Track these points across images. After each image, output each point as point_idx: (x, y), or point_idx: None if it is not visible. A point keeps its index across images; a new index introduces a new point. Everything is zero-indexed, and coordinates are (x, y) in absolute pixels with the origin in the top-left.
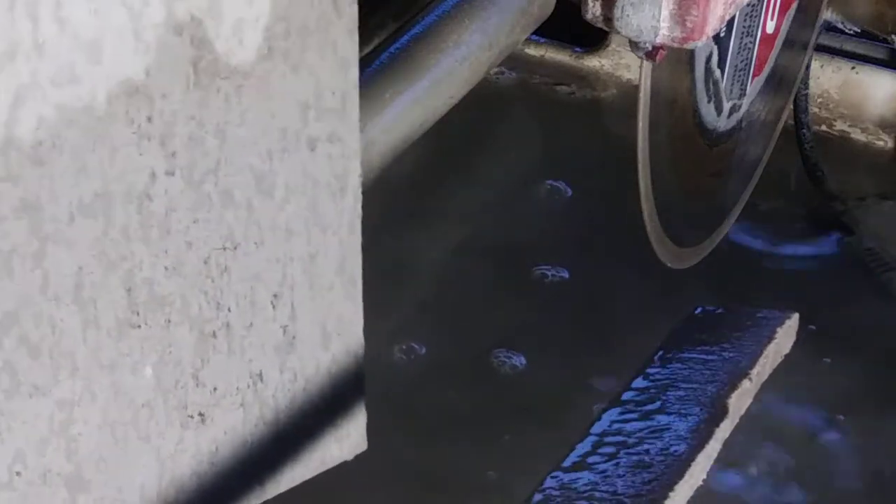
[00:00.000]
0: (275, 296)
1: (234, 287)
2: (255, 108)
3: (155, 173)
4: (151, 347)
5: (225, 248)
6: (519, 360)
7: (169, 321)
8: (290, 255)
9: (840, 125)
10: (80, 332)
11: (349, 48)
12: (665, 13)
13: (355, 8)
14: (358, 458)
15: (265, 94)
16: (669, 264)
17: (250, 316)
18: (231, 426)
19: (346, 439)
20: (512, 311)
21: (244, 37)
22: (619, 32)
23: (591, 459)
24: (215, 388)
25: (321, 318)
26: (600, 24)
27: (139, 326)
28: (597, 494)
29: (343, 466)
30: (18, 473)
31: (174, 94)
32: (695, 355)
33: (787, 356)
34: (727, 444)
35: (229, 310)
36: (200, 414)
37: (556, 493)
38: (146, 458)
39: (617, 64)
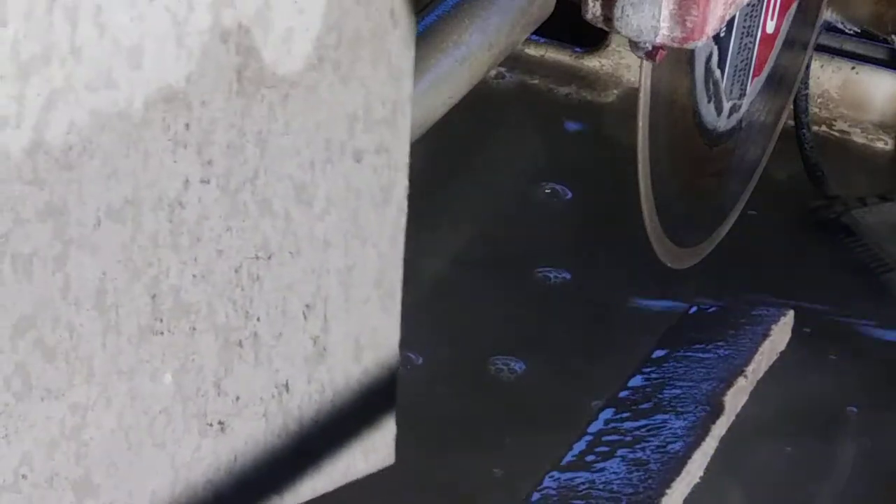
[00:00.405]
0: (307, 306)
1: (264, 297)
2: (300, 117)
3: (189, 181)
4: (173, 354)
5: (258, 258)
6: (518, 366)
7: (194, 329)
8: (326, 266)
9: (840, 125)
10: (100, 337)
11: (404, 59)
12: (665, 13)
13: (413, 19)
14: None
15: (312, 105)
16: (669, 264)
17: (280, 326)
18: (252, 436)
19: (373, 452)
20: (510, 315)
21: (293, 46)
22: (619, 32)
23: (588, 458)
24: (238, 398)
25: (355, 331)
26: (600, 24)
27: (162, 333)
28: (594, 493)
29: None
30: (24, 476)
31: (215, 102)
32: (690, 353)
33: (786, 357)
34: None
35: (258, 319)
36: (220, 423)
37: (554, 492)
38: (160, 465)
39: (617, 64)
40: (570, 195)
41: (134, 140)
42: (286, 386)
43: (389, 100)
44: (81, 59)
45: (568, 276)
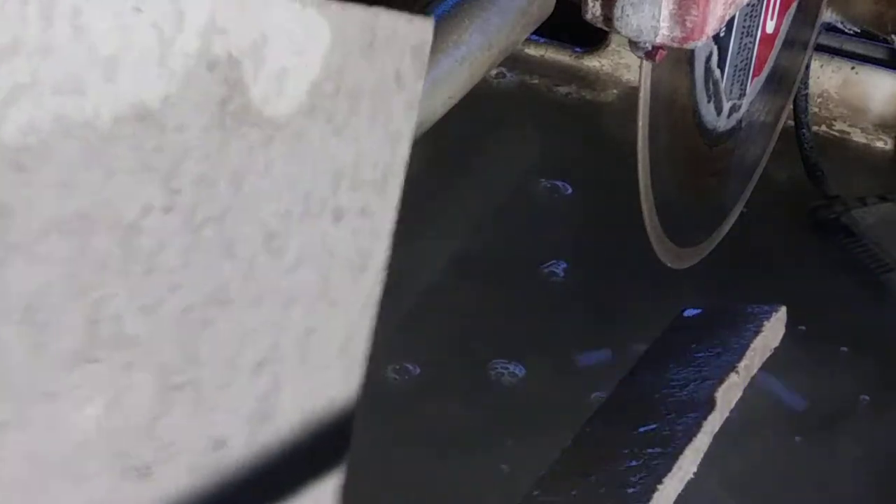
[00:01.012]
0: (259, 363)
1: (214, 343)
2: (281, 163)
3: (151, 206)
4: (104, 386)
5: (214, 301)
6: (518, 369)
7: (131, 363)
8: (286, 323)
9: (840, 125)
10: (24, 353)
11: (405, 124)
12: (665, 13)
13: (419, 85)
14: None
15: (297, 152)
16: (669, 264)
17: (226, 377)
18: (178, 488)
19: None
20: (510, 316)
21: (285, 87)
22: (618, 32)
23: (581, 458)
24: (168, 444)
25: (308, 396)
26: (600, 24)
27: (95, 361)
28: (587, 489)
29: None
30: None
31: (192, 130)
32: (683, 351)
33: (785, 357)
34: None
35: (203, 366)
36: (145, 468)
37: (548, 495)
38: (71, 500)
39: (617, 64)
40: (570, 192)
41: (97, 153)
42: (223, 441)
43: (382, 162)
44: (51, 59)
45: (568, 274)
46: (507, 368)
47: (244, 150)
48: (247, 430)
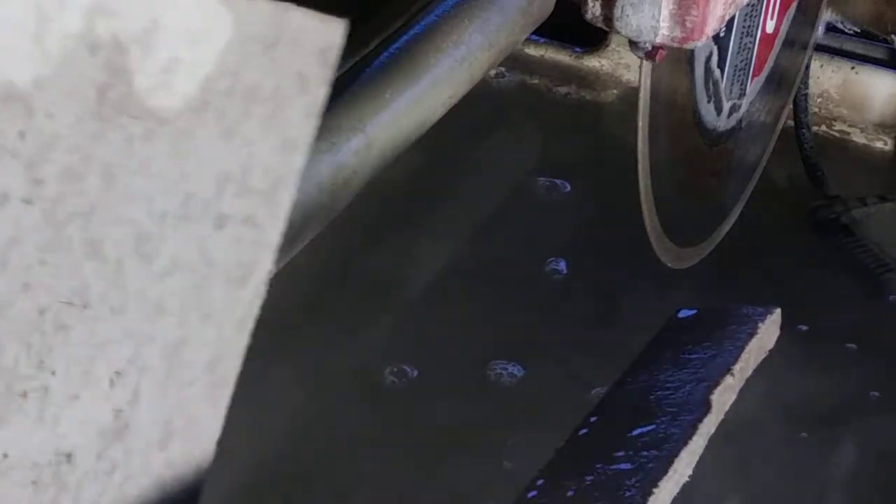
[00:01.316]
0: (117, 373)
1: (68, 349)
2: (162, 160)
3: (8, 196)
4: None
5: (71, 304)
6: (517, 369)
7: None
8: (152, 333)
9: (840, 125)
10: None
11: (303, 131)
12: (665, 13)
13: (323, 91)
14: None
15: (180, 151)
16: (669, 264)
17: (78, 387)
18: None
19: None
20: (508, 316)
21: (175, 80)
22: (618, 32)
23: (576, 461)
24: (6, 455)
25: (168, 414)
26: (600, 24)
27: None
28: (582, 492)
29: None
30: None
31: (64, 117)
32: (678, 354)
33: (786, 358)
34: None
35: (53, 373)
36: None
37: (542, 498)
38: None
39: (617, 64)
40: (568, 189)
41: None
42: (69, 456)
43: (273, 171)
44: None
45: (568, 273)
46: (505, 369)
47: (121, 144)
48: (97, 446)
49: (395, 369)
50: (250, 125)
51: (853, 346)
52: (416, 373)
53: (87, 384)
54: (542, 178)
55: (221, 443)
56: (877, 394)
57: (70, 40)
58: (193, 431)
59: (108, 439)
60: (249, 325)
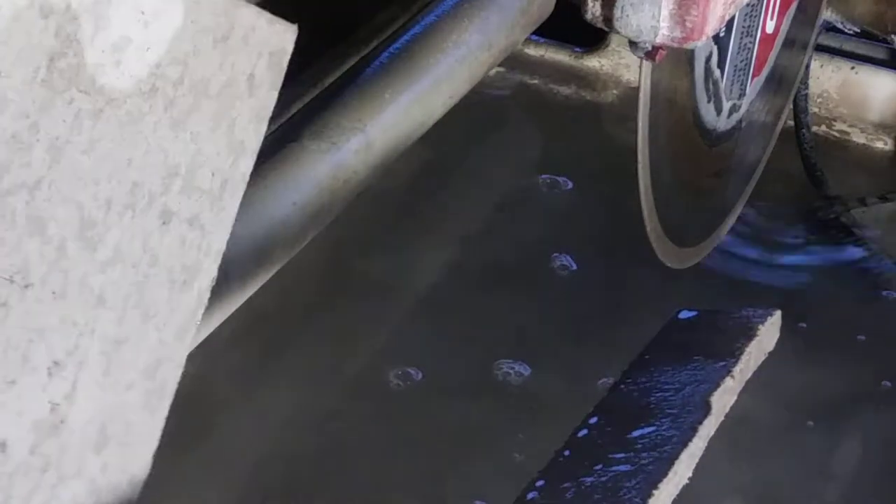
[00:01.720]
0: (56, 363)
1: (7, 331)
2: (110, 142)
3: None
4: None
5: (12, 281)
6: (523, 368)
7: None
8: (92, 326)
9: (840, 125)
10: None
11: (250, 135)
12: (665, 13)
13: (273, 96)
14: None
15: (129, 135)
16: (669, 264)
17: (15, 373)
18: None
19: None
20: (513, 315)
21: (124, 60)
22: (618, 32)
23: (575, 463)
24: None
25: (105, 416)
26: (600, 25)
27: None
28: (581, 494)
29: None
30: None
31: (11, 79)
32: (677, 356)
33: (785, 358)
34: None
35: None
36: None
37: (541, 499)
38: None
39: (617, 64)
40: (570, 187)
41: None
42: (2, 445)
43: (221, 173)
44: None
45: (571, 269)
46: (513, 368)
47: (69, 118)
48: (31, 439)
49: (400, 372)
50: (199, 120)
51: (853, 346)
52: (420, 375)
53: (24, 371)
54: (542, 178)
55: (225, 446)
56: (876, 395)
57: (21, 1)
58: (130, 438)
59: (43, 433)
60: (190, 333)
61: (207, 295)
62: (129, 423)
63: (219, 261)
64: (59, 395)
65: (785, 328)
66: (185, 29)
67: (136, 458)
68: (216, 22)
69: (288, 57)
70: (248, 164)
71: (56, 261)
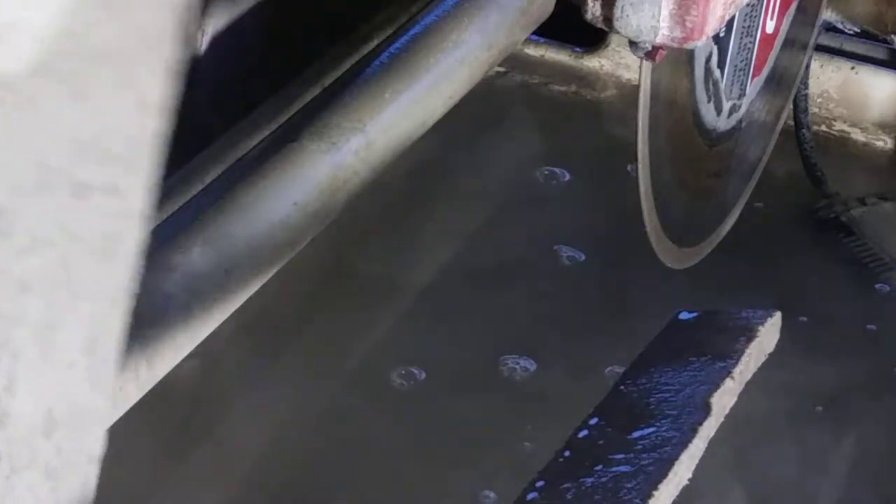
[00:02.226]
0: None
1: None
2: (6, 128)
3: None
4: None
5: None
6: (529, 363)
7: None
8: (20, 314)
9: (840, 125)
10: None
11: (158, 93)
12: (665, 13)
13: (181, 49)
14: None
15: (26, 117)
16: (669, 264)
17: None
18: None
19: None
20: (516, 311)
21: (14, 40)
22: (618, 32)
23: (575, 464)
24: None
25: (49, 399)
26: (600, 25)
27: None
28: (581, 495)
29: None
30: None
31: None
32: (677, 357)
33: (786, 358)
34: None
35: None
36: None
37: (541, 500)
38: None
39: (617, 64)
40: (569, 183)
41: None
42: None
43: (132, 136)
44: None
45: (571, 265)
46: (518, 363)
47: None
48: None
49: (403, 371)
50: (100, 87)
51: (852, 346)
52: (423, 374)
53: None
54: (541, 178)
55: (225, 446)
56: (877, 396)
57: None
58: (80, 417)
59: None
60: (124, 302)
61: (134, 258)
62: (76, 402)
63: (140, 221)
64: (1, 387)
65: (785, 327)
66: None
67: (89, 435)
68: None
69: (194, 4)
70: (157, 121)
71: None
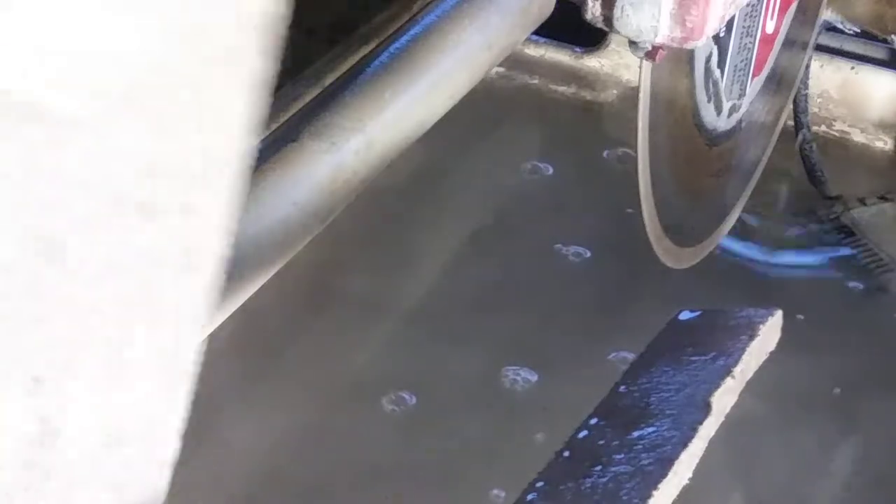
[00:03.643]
0: (36, 379)
1: None
2: (75, 162)
3: None
4: None
5: None
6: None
7: None
8: (85, 339)
9: (840, 125)
10: None
11: (238, 108)
12: (665, 13)
13: (263, 61)
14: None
15: (95, 150)
16: (669, 264)
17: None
18: None
19: None
20: (517, 318)
21: (72, 78)
22: (618, 32)
23: (575, 464)
24: None
25: (113, 415)
26: (600, 24)
27: None
28: (581, 495)
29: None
30: None
31: None
32: (677, 356)
33: (786, 358)
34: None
35: None
36: None
37: (541, 500)
38: None
39: (617, 64)
40: (569, 187)
41: None
42: None
43: (209, 154)
44: None
45: (566, 276)
46: (519, 374)
47: (23, 151)
48: (21, 457)
49: (395, 397)
50: (175, 111)
51: (852, 346)
52: (426, 382)
53: (6, 391)
54: (541, 178)
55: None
56: (878, 396)
57: None
58: (152, 430)
59: (36, 447)
60: (201, 314)
61: (215, 272)
62: (147, 415)
63: (224, 237)
64: (49, 407)
65: (785, 326)
66: (146, 26)
67: (161, 445)
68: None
69: (276, 17)
70: (238, 138)
71: (29, 289)
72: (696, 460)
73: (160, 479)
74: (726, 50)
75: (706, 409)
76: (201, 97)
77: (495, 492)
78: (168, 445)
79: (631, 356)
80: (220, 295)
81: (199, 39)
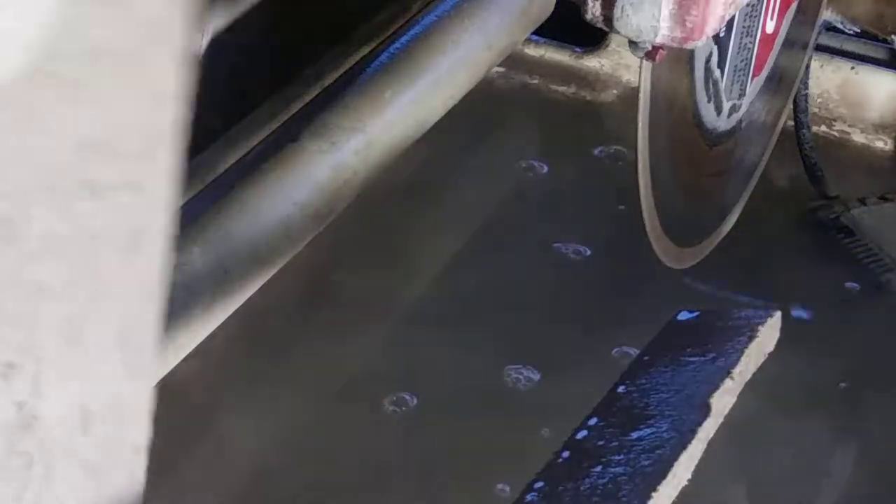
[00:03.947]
0: (9, 365)
1: None
2: (11, 136)
3: None
4: None
5: None
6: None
7: None
8: (39, 319)
9: (840, 126)
10: None
11: (171, 84)
12: (665, 13)
13: (193, 35)
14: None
15: (29, 123)
16: (669, 264)
17: None
18: None
19: None
20: (517, 317)
21: (6, 51)
22: (618, 32)
23: (574, 465)
24: None
25: (82, 396)
26: (600, 25)
27: None
28: (580, 496)
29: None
30: None
31: None
32: (676, 357)
33: (786, 358)
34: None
35: None
36: None
37: (540, 501)
38: None
39: (617, 64)
40: (569, 188)
41: None
42: None
43: (146, 130)
44: None
45: (566, 278)
46: (521, 374)
47: None
48: (4, 441)
49: (396, 397)
50: (107, 84)
51: (852, 346)
52: (427, 383)
53: None
54: (541, 179)
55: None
56: (877, 396)
57: None
58: (119, 409)
59: (15, 433)
60: (157, 291)
61: (162, 247)
62: (115, 395)
63: (169, 214)
64: (24, 392)
65: (784, 326)
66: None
67: (132, 426)
68: None
69: None
70: (173, 112)
71: None
72: (695, 461)
73: (136, 463)
74: (726, 50)
75: (705, 410)
76: (128, 70)
77: (500, 486)
78: (140, 428)
79: (634, 352)
80: (220, 295)
81: (120, 11)
